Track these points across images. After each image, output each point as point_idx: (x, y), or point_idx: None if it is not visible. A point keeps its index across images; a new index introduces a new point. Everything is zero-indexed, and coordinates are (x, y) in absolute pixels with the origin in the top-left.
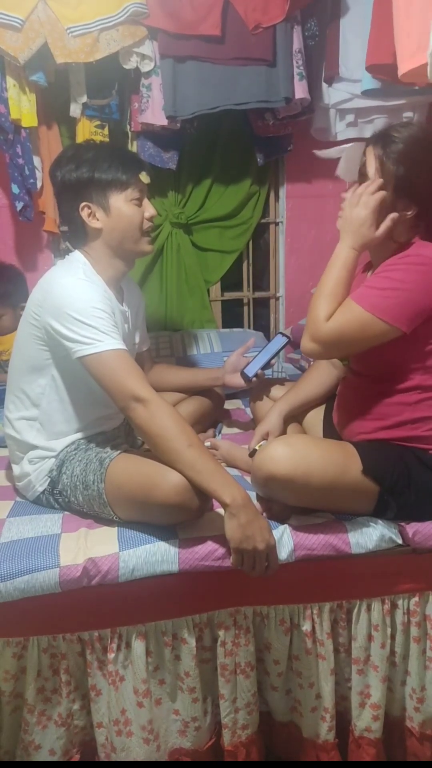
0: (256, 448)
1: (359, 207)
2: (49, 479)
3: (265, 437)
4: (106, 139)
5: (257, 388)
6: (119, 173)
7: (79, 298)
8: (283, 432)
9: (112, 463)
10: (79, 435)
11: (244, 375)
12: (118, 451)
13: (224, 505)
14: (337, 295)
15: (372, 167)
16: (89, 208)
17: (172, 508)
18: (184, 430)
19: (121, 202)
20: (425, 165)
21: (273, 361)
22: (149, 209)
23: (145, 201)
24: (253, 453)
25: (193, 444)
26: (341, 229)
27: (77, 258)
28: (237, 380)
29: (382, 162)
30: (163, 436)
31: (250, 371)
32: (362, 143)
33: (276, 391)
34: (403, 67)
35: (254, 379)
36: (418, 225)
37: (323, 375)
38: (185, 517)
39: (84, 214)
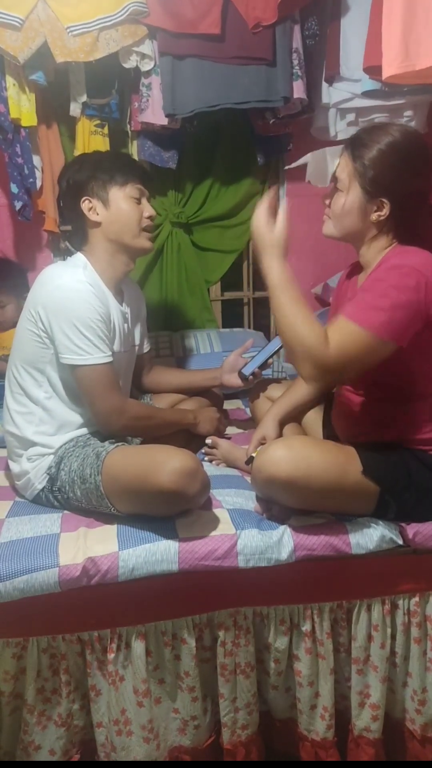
0: (253, 455)
1: (262, 222)
2: (48, 476)
3: (263, 442)
4: (106, 139)
5: (256, 388)
6: (119, 172)
7: (78, 306)
8: (280, 435)
9: (108, 456)
10: (77, 432)
11: (241, 374)
12: (115, 445)
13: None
14: (303, 311)
15: (344, 171)
16: (90, 201)
17: (168, 495)
18: (148, 415)
19: (120, 197)
20: (396, 167)
21: (270, 360)
22: (148, 209)
23: (145, 201)
24: (250, 461)
25: (153, 415)
26: (258, 252)
27: (78, 258)
28: (234, 380)
29: (353, 165)
30: (136, 428)
31: (247, 370)
32: (325, 149)
33: (275, 391)
34: (387, 71)
35: (251, 378)
36: (395, 225)
37: None
38: (183, 504)
39: (85, 207)
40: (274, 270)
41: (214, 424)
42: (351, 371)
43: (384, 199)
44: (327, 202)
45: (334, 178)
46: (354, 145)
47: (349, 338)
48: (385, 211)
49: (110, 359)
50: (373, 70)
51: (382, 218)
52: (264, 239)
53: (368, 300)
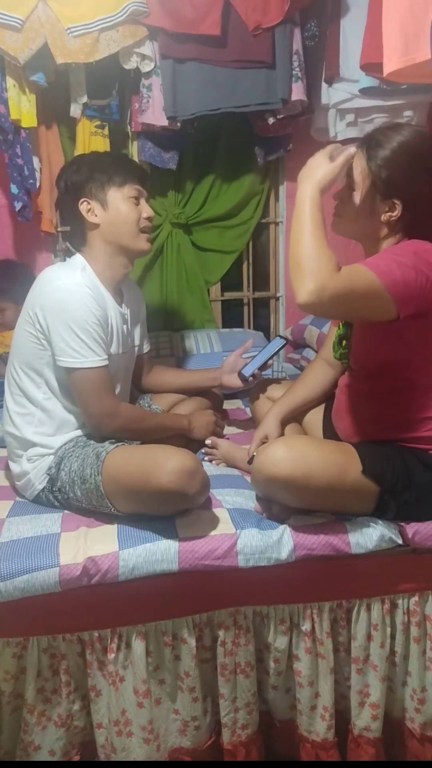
0: (254, 453)
1: (319, 157)
2: (48, 477)
3: (265, 440)
4: (107, 140)
5: (256, 388)
6: (117, 173)
7: (74, 308)
8: (282, 434)
9: (108, 456)
10: (77, 432)
11: (241, 375)
12: (115, 445)
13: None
14: (323, 238)
15: (357, 170)
16: (88, 203)
17: (168, 494)
18: (142, 419)
19: (118, 198)
20: (409, 169)
21: (270, 361)
22: (146, 210)
23: (143, 202)
24: (251, 460)
25: (146, 418)
26: (300, 179)
27: (77, 260)
28: (234, 380)
29: (367, 165)
30: (129, 431)
31: (247, 371)
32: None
33: (275, 391)
34: (388, 67)
35: (251, 378)
36: (406, 226)
37: (319, 376)
38: (183, 504)
39: (83, 208)
40: (309, 194)
41: (209, 429)
42: (345, 307)
43: (396, 200)
44: (342, 200)
45: (347, 176)
46: (369, 145)
47: (360, 275)
48: (397, 212)
49: (105, 363)
50: (370, 67)
51: (393, 219)
52: (317, 167)
53: (384, 255)
